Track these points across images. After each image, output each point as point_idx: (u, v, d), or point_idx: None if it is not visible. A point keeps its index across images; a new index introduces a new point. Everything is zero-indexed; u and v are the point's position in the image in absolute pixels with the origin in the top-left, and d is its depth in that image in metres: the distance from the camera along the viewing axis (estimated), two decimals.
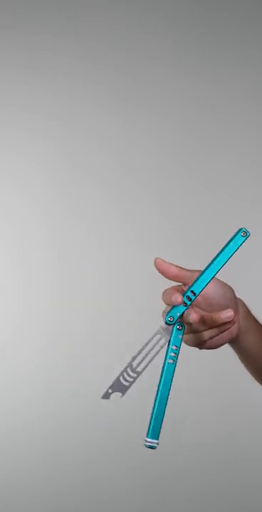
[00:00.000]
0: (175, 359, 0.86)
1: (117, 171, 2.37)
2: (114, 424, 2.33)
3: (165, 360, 0.86)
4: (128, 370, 0.86)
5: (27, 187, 2.35)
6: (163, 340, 0.86)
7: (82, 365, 2.30)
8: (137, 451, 2.34)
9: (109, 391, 0.87)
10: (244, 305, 0.99)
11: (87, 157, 2.36)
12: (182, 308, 0.86)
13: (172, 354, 0.86)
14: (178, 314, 0.86)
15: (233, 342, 0.97)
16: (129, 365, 0.86)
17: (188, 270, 0.91)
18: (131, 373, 0.86)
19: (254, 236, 2.65)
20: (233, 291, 0.94)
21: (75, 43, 2.36)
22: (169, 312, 0.86)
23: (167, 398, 0.86)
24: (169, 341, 0.86)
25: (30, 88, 2.35)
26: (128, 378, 0.86)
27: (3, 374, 2.34)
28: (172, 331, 0.86)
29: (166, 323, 0.86)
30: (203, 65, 2.37)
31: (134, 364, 0.86)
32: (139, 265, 2.27)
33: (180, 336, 0.86)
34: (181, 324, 0.86)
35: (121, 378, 0.86)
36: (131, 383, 0.85)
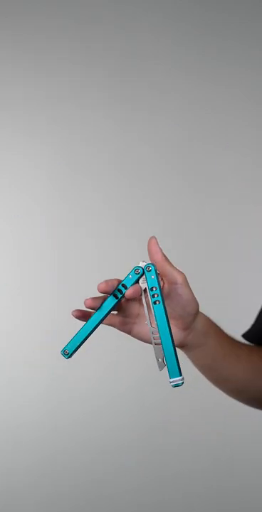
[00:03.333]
0: (160, 298, 0.89)
1: (117, 172, 2.37)
2: (114, 424, 2.34)
3: (153, 305, 0.89)
4: (153, 336, 0.90)
5: (27, 188, 2.35)
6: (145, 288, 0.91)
7: (83, 365, 2.30)
8: (137, 451, 2.34)
9: (160, 360, 0.90)
10: (208, 323, 1.00)
11: (87, 159, 2.36)
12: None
13: (155, 295, 0.89)
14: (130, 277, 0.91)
15: (185, 350, 0.99)
16: (151, 333, 0.91)
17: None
18: (155, 336, 0.91)
19: (254, 236, 2.64)
20: (197, 307, 0.94)
21: (75, 45, 2.36)
22: (125, 280, 0.91)
23: (170, 336, 0.89)
24: (147, 286, 0.90)
25: (30, 90, 2.35)
26: (157, 340, 0.90)
27: (4, 374, 2.34)
28: (145, 276, 0.90)
29: (136, 271, 0.90)
30: (203, 65, 2.37)
31: (152, 329, 0.91)
32: None
33: (153, 276, 0.89)
34: (148, 265, 0.90)
35: (155, 346, 0.91)
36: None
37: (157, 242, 0.91)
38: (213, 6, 2.36)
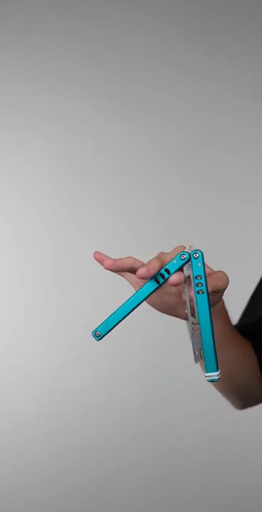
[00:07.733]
0: (204, 288, 0.83)
1: (118, 171, 2.37)
2: (113, 424, 2.34)
3: (196, 294, 0.84)
4: (192, 327, 0.85)
5: (27, 188, 2.36)
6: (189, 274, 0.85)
7: (83, 365, 2.30)
8: (137, 449, 2.34)
9: (196, 352, 0.86)
10: (220, 312, 0.98)
11: (88, 159, 2.36)
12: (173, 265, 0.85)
13: (199, 285, 0.83)
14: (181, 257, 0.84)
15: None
16: (190, 323, 0.85)
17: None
18: (195, 327, 0.85)
19: (255, 236, 2.64)
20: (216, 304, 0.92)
21: (77, 44, 2.37)
22: (170, 263, 0.84)
23: (211, 329, 0.83)
24: (192, 274, 0.83)
25: (30, 89, 2.36)
26: (196, 333, 0.85)
27: (5, 374, 2.34)
28: (191, 263, 0.84)
29: (181, 256, 0.83)
30: (206, 66, 2.37)
31: (192, 319, 0.86)
32: None
33: (200, 264, 0.83)
34: (195, 251, 0.84)
35: (193, 338, 0.86)
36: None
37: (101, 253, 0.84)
38: (213, 7, 2.37)
